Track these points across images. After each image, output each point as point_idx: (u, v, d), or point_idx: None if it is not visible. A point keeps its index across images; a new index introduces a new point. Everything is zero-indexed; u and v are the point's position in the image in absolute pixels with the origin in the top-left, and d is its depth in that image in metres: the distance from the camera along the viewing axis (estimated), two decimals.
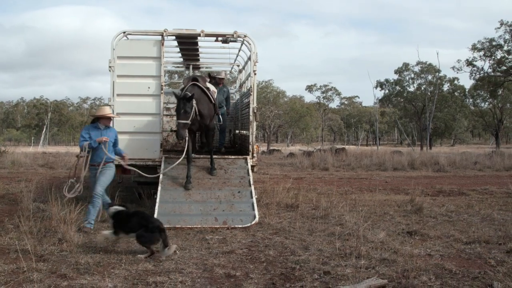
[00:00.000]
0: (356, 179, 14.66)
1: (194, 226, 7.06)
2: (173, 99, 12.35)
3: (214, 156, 8.81)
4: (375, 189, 11.93)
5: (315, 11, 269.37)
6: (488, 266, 5.22)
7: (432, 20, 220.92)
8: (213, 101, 8.43)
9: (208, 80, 9.36)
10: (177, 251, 5.63)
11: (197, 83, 8.13)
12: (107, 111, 7.35)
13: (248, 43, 9.02)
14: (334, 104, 76.00)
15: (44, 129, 56.60)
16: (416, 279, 4.71)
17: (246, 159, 8.83)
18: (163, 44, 8.71)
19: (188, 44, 10.64)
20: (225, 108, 10.72)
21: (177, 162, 7.92)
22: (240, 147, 10.59)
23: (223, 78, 10.79)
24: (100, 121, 7.29)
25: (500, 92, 40.91)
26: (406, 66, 47.96)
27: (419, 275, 4.82)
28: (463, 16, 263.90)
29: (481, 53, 38.05)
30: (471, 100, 47.63)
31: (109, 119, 7.36)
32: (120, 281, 4.65)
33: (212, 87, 8.82)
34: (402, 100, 49.60)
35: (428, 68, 45.81)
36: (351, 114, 75.01)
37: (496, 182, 13.63)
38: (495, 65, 38.00)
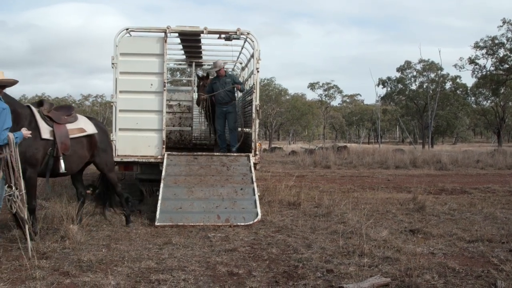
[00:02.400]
0: (358, 177, 14.64)
1: (197, 223, 7.05)
2: (176, 96, 12.41)
3: (216, 154, 8.84)
4: (377, 187, 11.92)
5: (316, 9, 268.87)
6: (491, 264, 5.21)
7: (432, 18, 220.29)
8: (55, 142, 6.12)
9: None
10: None
11: (32, 106, 6.13)
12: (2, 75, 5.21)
13: (251, 40, 8.99)
14: (336, 102, 75.83)
15: None
16: (420, 277, 4.70)
17: (248, 156, 8.81)
18: (166, 41, 8.69)
19: (191, 42, 10.63)
20: (235, 102, 10.19)
21: None
22: (242, 145, 10.58)
23: (220, 69, 9.72)
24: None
25: (502, 90, 40.64)
26: (408, 64, 47.77)
27: (422, 274, 4.81)
28: (463, 14, 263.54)
29: (484, 51, 37.90)
30: (473, 98, 47.35)
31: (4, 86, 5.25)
32: (123, 279, 4.65)
33: (76, 125, 6.60)
34: (404, 98, 49.40)
35: (430, 66, 45.63)
36: (352, 112, 74.83)
37: (499, 180, 13.59)
38: (498, 63, 37.82)
